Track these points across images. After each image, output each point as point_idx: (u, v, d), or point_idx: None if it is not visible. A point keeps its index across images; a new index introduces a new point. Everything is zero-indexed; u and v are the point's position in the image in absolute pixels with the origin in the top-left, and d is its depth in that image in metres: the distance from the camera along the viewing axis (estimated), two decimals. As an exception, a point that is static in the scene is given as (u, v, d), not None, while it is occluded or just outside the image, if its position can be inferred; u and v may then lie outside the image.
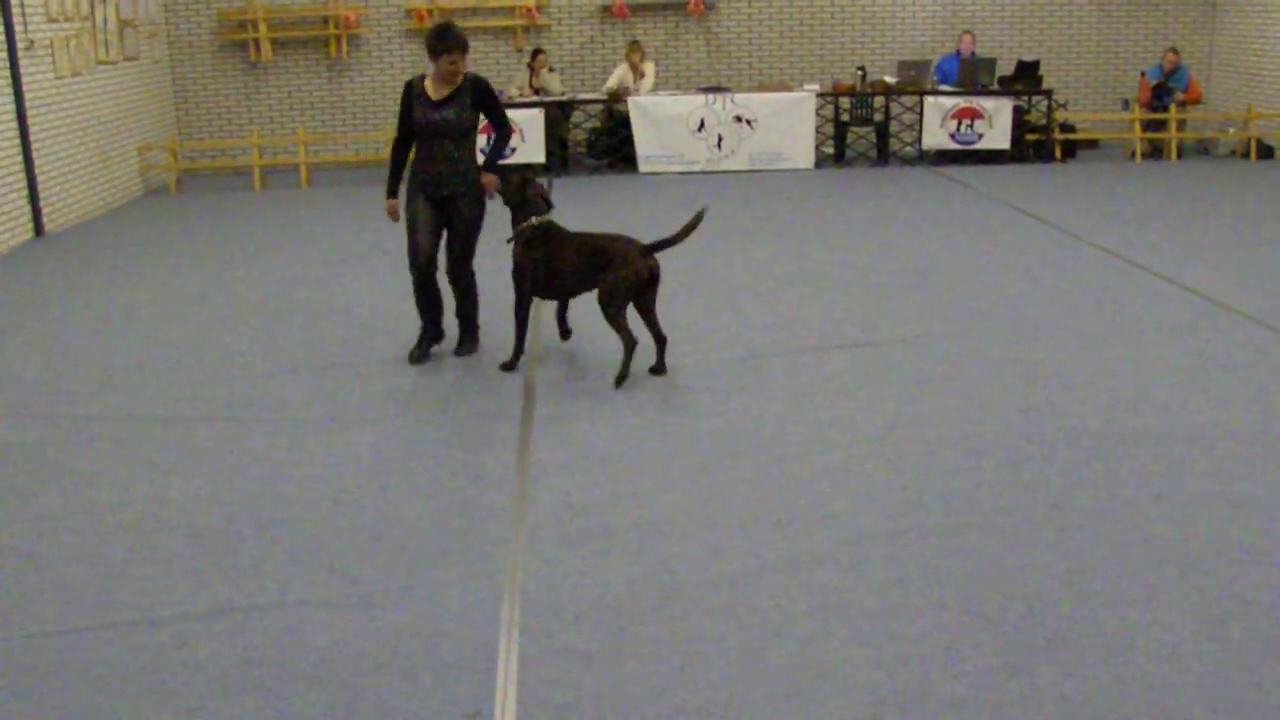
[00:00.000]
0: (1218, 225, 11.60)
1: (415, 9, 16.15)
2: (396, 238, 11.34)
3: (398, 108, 7.62)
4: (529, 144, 14.60)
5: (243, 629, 4.44)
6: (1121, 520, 5.25)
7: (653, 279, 7.14)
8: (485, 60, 16.36)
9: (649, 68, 15.41)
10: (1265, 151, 15.93)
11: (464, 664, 4.18)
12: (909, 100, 15.68)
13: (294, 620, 4.50)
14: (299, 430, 6.48)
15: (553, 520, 5.32)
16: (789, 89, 15.48)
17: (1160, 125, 16.14)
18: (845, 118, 15.95)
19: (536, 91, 15.21)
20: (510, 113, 14.33)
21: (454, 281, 7.65)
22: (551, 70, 15.57)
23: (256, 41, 15.99)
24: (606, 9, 16.42)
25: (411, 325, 7.91)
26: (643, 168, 14.82)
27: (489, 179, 7.58)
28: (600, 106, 15.63)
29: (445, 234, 7.65)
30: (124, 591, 4.75)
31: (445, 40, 7.25)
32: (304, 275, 10.08)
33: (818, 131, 15.32)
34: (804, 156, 15.07)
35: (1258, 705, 3.88)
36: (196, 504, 5.58)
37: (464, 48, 7.33)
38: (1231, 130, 16.43)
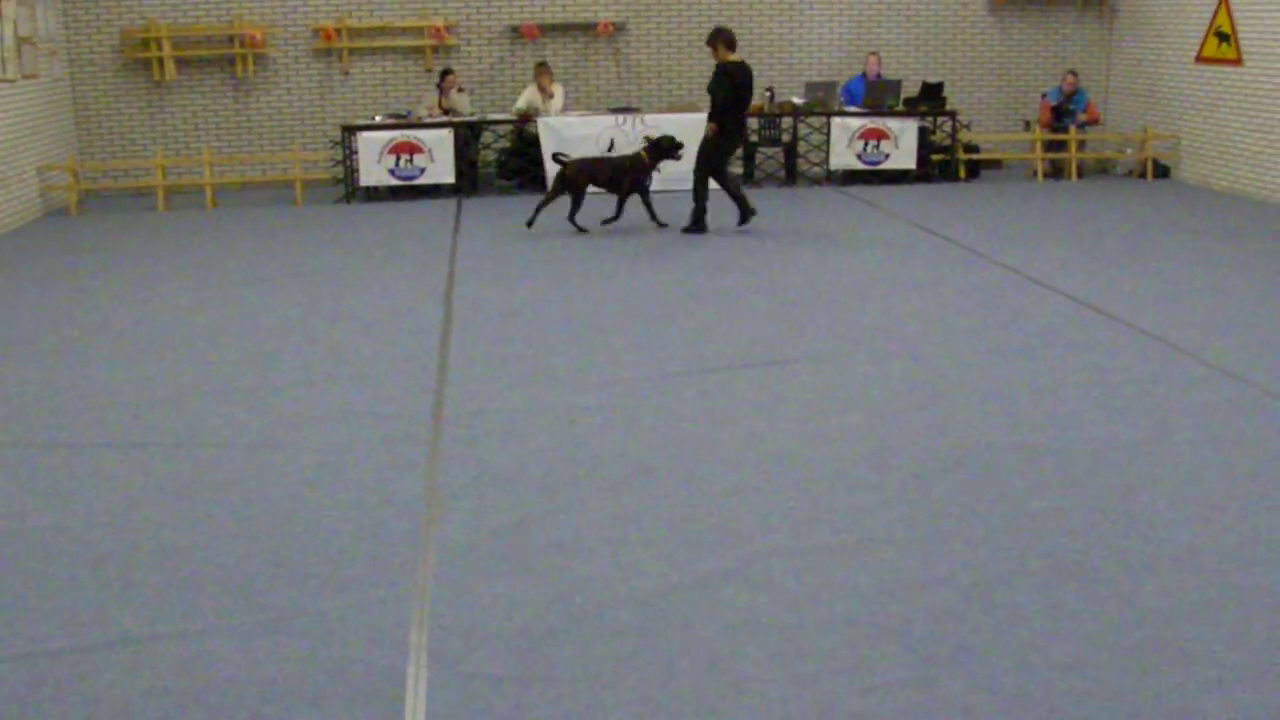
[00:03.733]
0: (1116, 243, 11.85)
1: (323, 28, 16.03)
2: (306, 258, 11.29)
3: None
4: (438, 164, 14.55)
5: (144, 659, 4.36)
6: (1024, 533, 5.33)
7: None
8: (394, 80, 16.30)
9: (558, 88, 15.43)
10: (1161, 171, 16.32)
11: (372, 690, 4.14)
12: (816, 121, 15.86)
13: (198, 649, 4.43)
14: (204, 455, 6.39)
15: (462, 543, 5.29)
16: (697, 110, 15.56)
17: (1061, 146, 16.47)
18: (753, 138, 16.08)
19: (446, 112, 15.17)
20: (419, 133, 14.46)
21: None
22: (461, 90, 15.53)
23: (160, 60, 15.76)
24: (516, 30, 16.43)
25: (318, 353, 7.82)
26: (553, 188, 14.82)
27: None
28: (510, 127, 15.62)
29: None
30: (20, 622, 4.65)
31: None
32: (209, 297, 9.94)
33: (726, 152, 15.41)
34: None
35: (1158, 712, 3.96)
36: (97, 531, 5.47)
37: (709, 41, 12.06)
38: (1129, 150, 16.81)
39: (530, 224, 12.29)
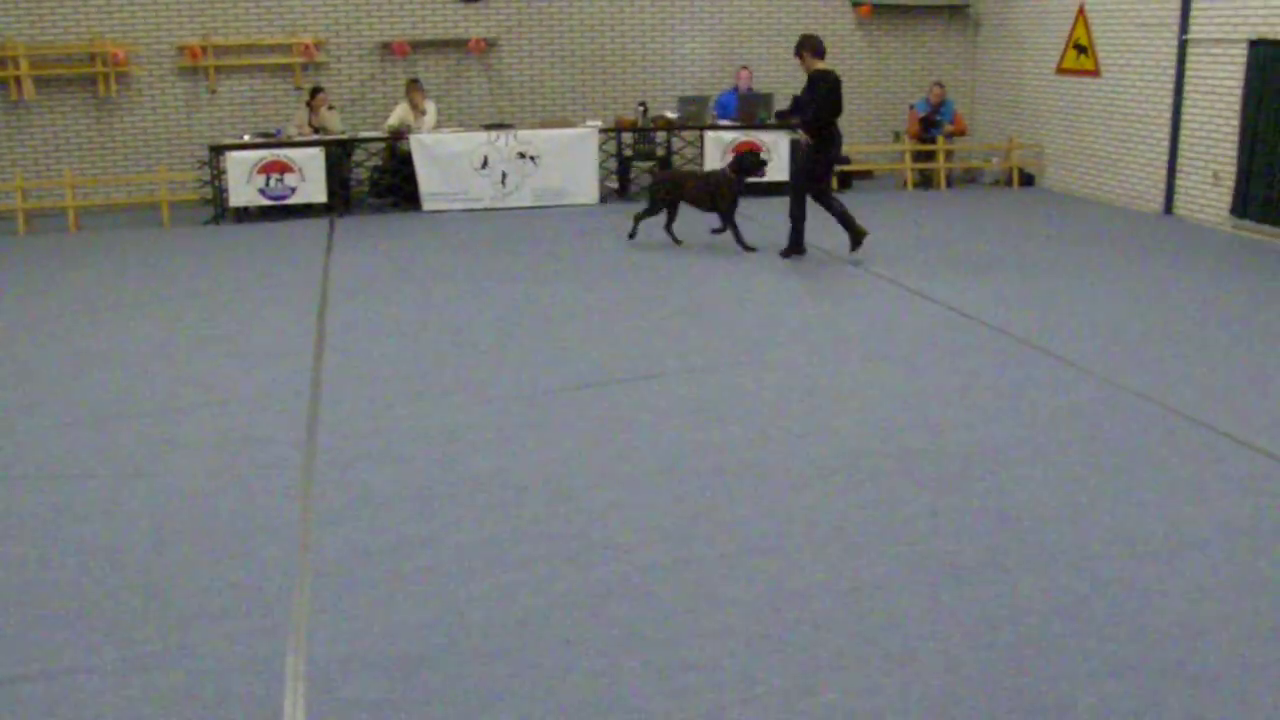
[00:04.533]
0: (984, 250, 12.10)
1: (187, 46, 15.71)
2: (174, 281, 11.03)
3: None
4: (309, 183, 14.34)
5: (8, 701, 4.20)
6: (900, 537, 5.40)
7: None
8: (263, 98, 16.04)
9: (430, 105, 15.32)
10: (1027, 179, 16.72)
11: (247, 721, 4.05)
12: (690, 135, 15.95)
13: (65, 689, 4.28)
14: (69, 486, 6.19)
15: (337, 569, 5.20)
16: (572, 125, 15.58)
17: (929, 156, 16.80)
18: (628, 153, 16.12)
19: (316, 130, 14.96)
20: (289, 152, 14.25)
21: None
22: (331, 108, 15.33)
23: (17, 79, 15.30)
24: (386, 46, 16.28)
25: (187, 378, 7.64)
26: (426, 206, 14.69)
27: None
28: (382, 145, 15.46)
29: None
30: (-126, 667, 4.46)
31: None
32: (72, 323, 9.66)
33: (601, 167, 15.45)
34: (588, 192, 15.17)
35: (1034, 706, 4.03)
36: (-45, 569, 5.28)
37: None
38: (995, 160, 17.19)
39: (632, 235, 12.57)
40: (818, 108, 11.22)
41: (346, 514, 5.77)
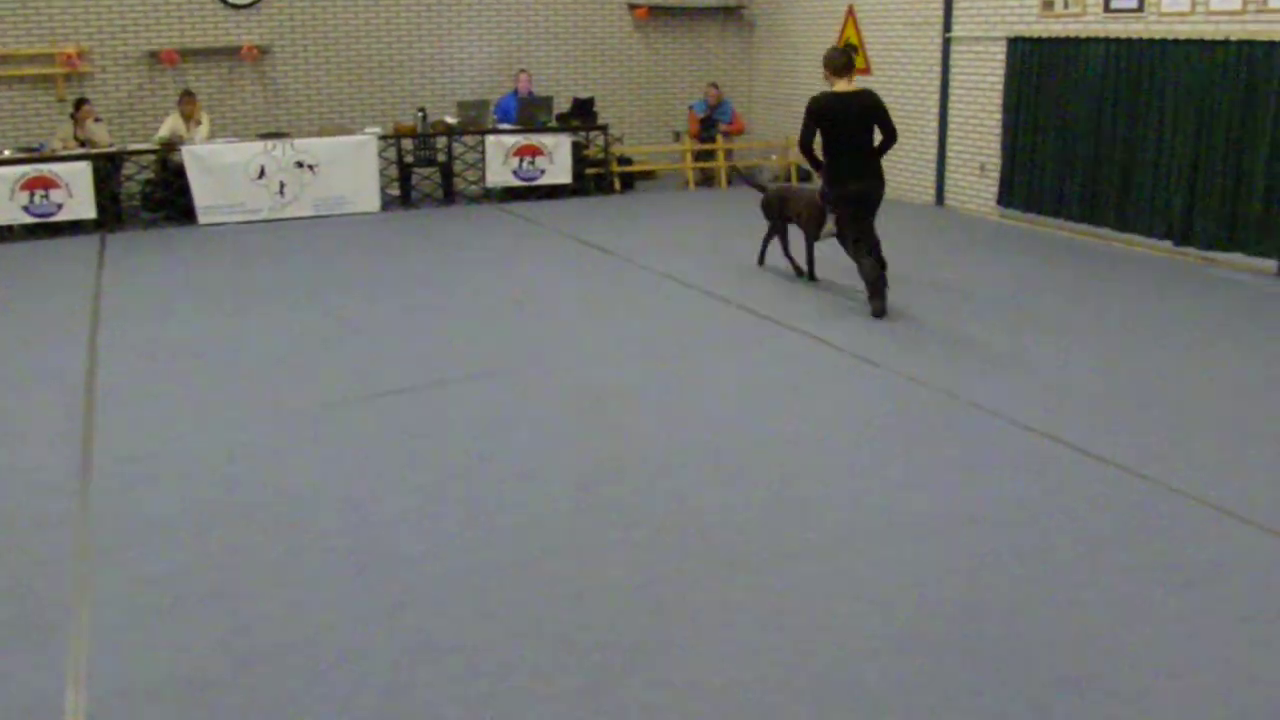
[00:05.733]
0: (758, 245, 12.36)
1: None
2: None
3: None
4: (77, 199, 13.77)
5: None
6: (689, 532, 5.49)
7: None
8: (22, 113, 15.33)
9: (204, 116, 14.89)
10: (805, 176, 17.15)
11: (23, 762, 3.88)
12: (471, 140, 15.88)
13: None
14: None
15: (117, 597, 5.01)
16: (350, 132, 15.34)
17: (709, 155, 17.09)
18: (409, 159, 15.96)
19: (82, 144, 14.37)
20: (53, 167, 13.66)
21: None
22: (98, 120, 14.75)
23: None
24: (154, 56, 15.75)
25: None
26: (202, 219, 14.25)
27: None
28: (153, 157, 14.95)
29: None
30: None
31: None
32: None
33: (382, 174, 15.26)
34: (369, 199, 14.95)
35: (823, 686, 4.15)
36: None
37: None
38: (774, 157, 17.59)
39: (761, 262, 11.33)
40: (823, 138, 9.42)
41: (125, 540, 5.56)
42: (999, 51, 13.39)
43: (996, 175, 13.63)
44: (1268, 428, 6.77)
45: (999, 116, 13.48)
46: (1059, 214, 12.73)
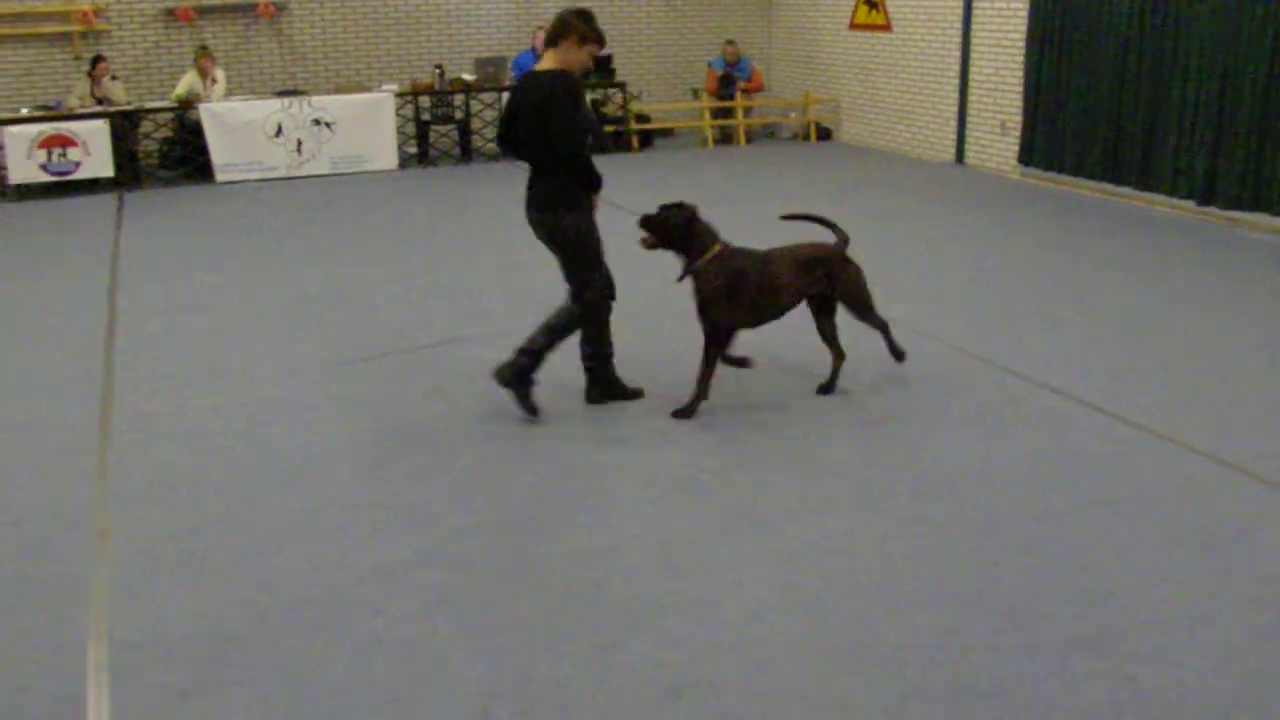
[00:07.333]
0: (778, 202, 12.25)
1: (-45, 16, 14.91)
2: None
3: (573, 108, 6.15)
4: (95, 157, 13.76)
5: None
6: (703, 485, 5.48)
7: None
8: (40, 69, 15.31)
9: (220, 73, 14.85)
10: (824, 133, 17.06)
11: (50, 717, 3.90)
12: (489, 97, 15.81)
13: None
14: None
15: (138, 553, 5.03)
16: (367, 90, 15.29)
17: (728, 113, 16.99)
18: (426, 117, 15.91)
19: (99, 101, 14.37)
20: (71, 125, 13.65)
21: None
22: (114, 78, 14.74)
23: None
24: (170, 13, 15.69)
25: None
26: (220, 177, 14.24)
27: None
28: (170, 115, 14.93)
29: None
30: None
31: (597, 27, 6.26)
32: None
33: (399, 131, 15.21)
34: (387, 157, 14.92)
35: (835, 653, 4.16)
36: None
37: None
38: (793, 115, 17.48)
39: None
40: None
41: (145, 496, 5.59)
42: (1021, 8, 13.24)
43: (1017, 133, 13.52)
44: (1290, 388, 6.73)
45: (1020, 74, 13.34)
46: (1080, 173, 12.63)
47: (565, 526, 5.18)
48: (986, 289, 8.88)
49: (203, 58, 14.67)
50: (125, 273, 9.96)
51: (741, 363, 6.58)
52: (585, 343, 6.53)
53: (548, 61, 6.29)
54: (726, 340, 6.39)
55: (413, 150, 15.82)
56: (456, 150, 16.04)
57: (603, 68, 16.16)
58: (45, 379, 7.35)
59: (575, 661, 4.12)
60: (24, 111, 14.11)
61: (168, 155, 15.02)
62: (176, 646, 4.30)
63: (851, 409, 6.51)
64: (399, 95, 15.23)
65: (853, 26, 16.37)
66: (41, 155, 13.56)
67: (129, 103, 14.72)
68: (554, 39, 6.27)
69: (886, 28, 15.58)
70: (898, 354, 6.80)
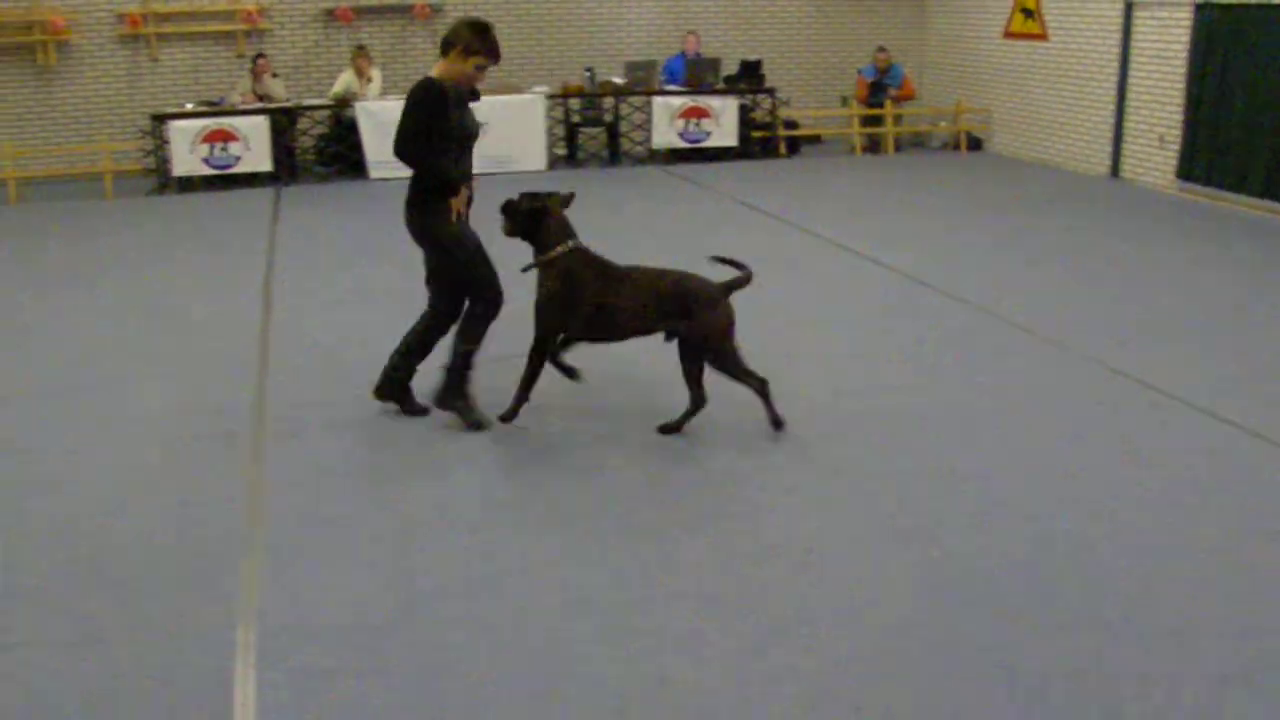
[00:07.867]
0: (928, 213, 12.15)
1: (128, 14, 15.47)
2: (118, 252, 10.88)
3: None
4: (254, 152, 14.17)
5: (-46, 675, 4.17)
6: (848, 501, 5.44)
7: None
8: (205, 67, 15.82)
9: (376, 72, 15.17)
10: (974, 143, 16.81)
11: (199, 694, 4.02)
12: (638, 100, 15.89)
13: (16, 664, 4.24)
14: (13, 459, 6.12)
15: (288, 538, 5.17)
16: (518, 91, 15.48)
17: (877, 121, 16.83)
18: (576, 119, 16.06)
19: (260, 98, 14.79)
20: (233, 121, 14.07)
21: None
22: (275, 76, 15.16)
23: (-47, 50, 15.04)
24: (330, 13, 16.09)
25: (134, 350, 7.56)
26: (373, 174, 14.54)
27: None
28: (327, 112, 15.31)
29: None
30: None
31: (493, 43, 6.47)
32: (15, 296, 9.51)
33: (549, 133, 15.38)
34: (536, 158, 15.09)
35: (983, 665, 4.09)
36: (-102, 545, 5.21)
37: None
38: (943, 124, 17.25)
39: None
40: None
41: (297, 483, 5.74)
42: (1185, 18, 12.88)
43: (1177, 147, 13.15)
44: None
45: (1181, 85, 12.97)
46: (1242, 190, 12.23)
47: (707, 533, 5.18)
48: (1143, 310, 8.65)
49: (359, 57, 15.01)
50: (282, 264, 10.23)
51: (570, 372, 6.44)
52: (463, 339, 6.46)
53: (433, 69, 6.51)
54: (555, 345, 6.32)
55: (561, 151, 15.97)
56: (605, 152, 16.15)
57: (752, 73, 16.13)
58: (203, 366, 7.57)
59: (715, 668, 4.11)
60: (189, 107, 14.60)
61: (323, 152, 15.39)
62: (321, 631, 4.40)
63: (1011, 429, 6.41)
64: (549, 97, 15.39)
65: (1007, 35, 16.09)
66: (204, 149, 14.01)
67: (288, 100, 15.12)
68: (443, 48, 6.49)
69: (1043, 36, 15.29)
70: (776, 422, 6.09)
